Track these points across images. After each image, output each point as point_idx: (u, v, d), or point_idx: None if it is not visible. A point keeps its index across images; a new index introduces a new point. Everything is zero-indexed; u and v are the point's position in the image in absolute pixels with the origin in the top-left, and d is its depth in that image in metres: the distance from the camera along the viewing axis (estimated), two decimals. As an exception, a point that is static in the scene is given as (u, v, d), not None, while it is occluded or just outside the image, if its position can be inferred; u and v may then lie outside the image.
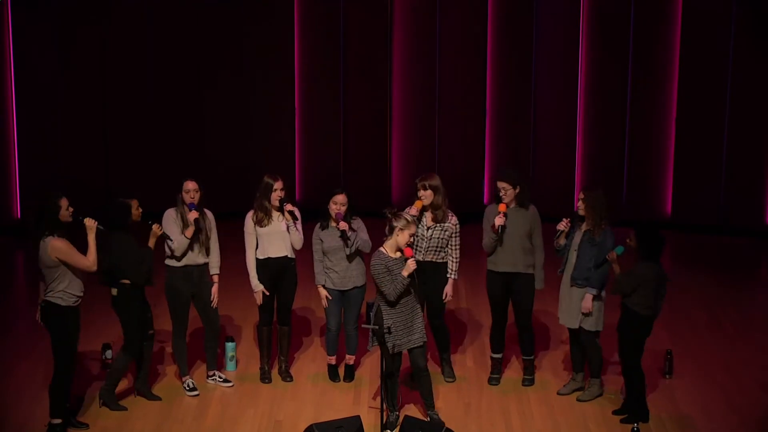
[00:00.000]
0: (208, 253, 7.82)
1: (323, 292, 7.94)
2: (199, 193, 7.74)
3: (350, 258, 7.87)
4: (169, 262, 7.76)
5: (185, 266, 7.73)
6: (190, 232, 7.67)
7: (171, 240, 7.59)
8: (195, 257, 7.76)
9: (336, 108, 14.33)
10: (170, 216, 7.73)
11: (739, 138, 13.24)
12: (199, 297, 7.85)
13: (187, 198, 7.71)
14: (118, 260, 7.27)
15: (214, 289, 7.91)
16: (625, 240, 7.32)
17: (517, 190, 7.73)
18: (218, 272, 7.92)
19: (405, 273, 6.95)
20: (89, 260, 6.90)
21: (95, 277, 7.16)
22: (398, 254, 7.05)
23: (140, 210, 7.49)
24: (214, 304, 7.91)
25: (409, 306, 7.10)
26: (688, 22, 13.24)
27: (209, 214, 7.87)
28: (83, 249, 6.91)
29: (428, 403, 7.25)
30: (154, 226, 7.51)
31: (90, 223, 6.95)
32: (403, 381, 7.73)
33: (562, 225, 7.68)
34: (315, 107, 14.35)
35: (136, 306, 7.44)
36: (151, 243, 7.49)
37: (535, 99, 14.12)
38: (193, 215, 7.67)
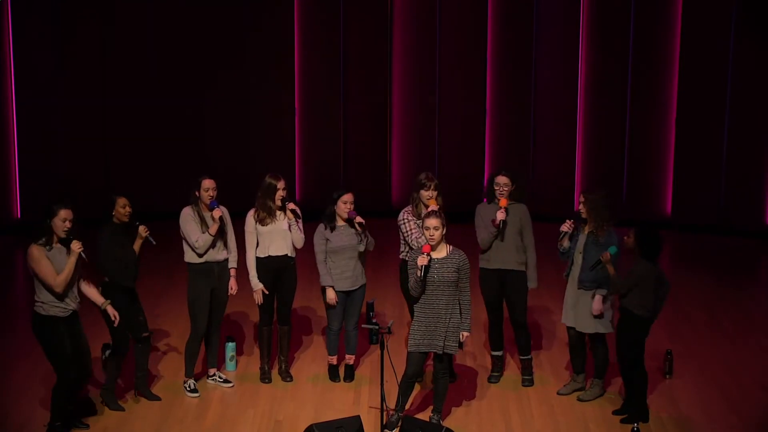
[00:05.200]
0: (226, 248, 7.86)
1: (332, 294, 7.89)
2: (216, 191, 7.75)
3: (361, 255, 7.89)
4: (190, 260, 7.75)
5: (206, 263, 7.74)
6: (214, 229, 7.68)
7: (154, 243, 7.52)
8: (215, 254, 7.77)
9: (336, 107, 14.33)
10: (188, 214, 7.72)
11: (739, 138, 13.25)
12: (214, 292, 7.84)
13: (206, 197, 7.70)
14: (100, 259, 7.22)
15: (232, 282, 7.93)
16: (623, 238, 7.32)
17: (513, 188, 7.79)
18: (236, 266, 7.96)
19: (418, 263, 6.89)
20: (57, 280, 6.64)
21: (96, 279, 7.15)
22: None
23: (128, 209, 7.37)
24: (233, 292, 7.93)
25: (435, 311, 6.95)
26: (688, 22, 13.26)
27: (224, 209, 7.85)
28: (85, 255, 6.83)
29: (435, 406, 7.22)
30: (141, 228, 7.45)
31: (75, 247, 6.72)
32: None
33: (566, 227, 7.65)
34: (315, 107, 14.35)
35: (120, 304, 7.37)
36: (137, 245, 7.45)
37: (535, 99, 14.13)
38: (217, 213, 7.68)
